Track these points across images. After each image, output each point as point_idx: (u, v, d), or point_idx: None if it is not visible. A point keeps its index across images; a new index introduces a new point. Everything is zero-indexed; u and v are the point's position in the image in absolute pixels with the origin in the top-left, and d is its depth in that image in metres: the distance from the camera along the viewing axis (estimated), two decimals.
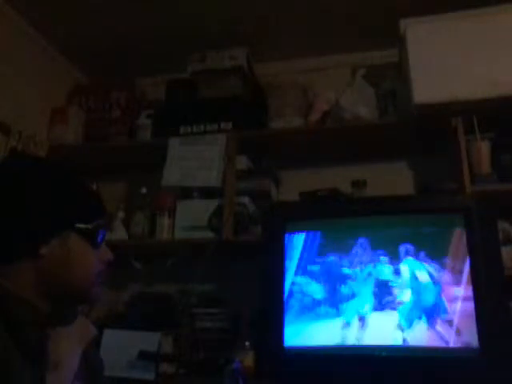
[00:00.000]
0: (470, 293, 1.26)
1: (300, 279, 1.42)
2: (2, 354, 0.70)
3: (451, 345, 1.25)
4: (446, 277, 1.30)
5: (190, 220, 1.88)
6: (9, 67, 1.94)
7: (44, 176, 0.84)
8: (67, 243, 0.82)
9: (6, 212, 0.79)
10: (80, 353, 0.94)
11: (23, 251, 0.79)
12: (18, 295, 0.77)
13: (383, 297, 1.33)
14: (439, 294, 1.29)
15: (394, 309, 1.31)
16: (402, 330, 1.29)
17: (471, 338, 1.23)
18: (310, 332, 1.36)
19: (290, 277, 1.43)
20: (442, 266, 1.31)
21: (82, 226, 0.84)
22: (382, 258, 1.36)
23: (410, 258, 1.34)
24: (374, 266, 1.36)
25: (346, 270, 1.38)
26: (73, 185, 0.87)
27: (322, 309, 1.37)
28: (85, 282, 0.85)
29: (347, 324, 1.34)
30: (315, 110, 1.97)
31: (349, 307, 1.35)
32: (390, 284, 1.33)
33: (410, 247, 1.34)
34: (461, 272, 1.29)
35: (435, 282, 1.30)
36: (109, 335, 1.74)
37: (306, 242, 1.44)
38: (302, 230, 1.46)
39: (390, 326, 1.31)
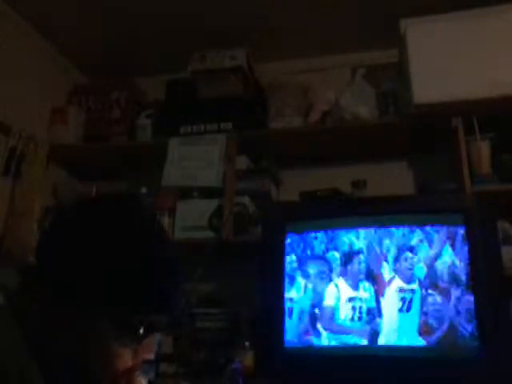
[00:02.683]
0: (469, 293, 1.26)
1: (299, 279, 1.42)
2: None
3: (451, 345, 1.25)
4: (445, 277, 1.30)
5: (190, 220, 1.87)
6: (9, 67, 1.94)
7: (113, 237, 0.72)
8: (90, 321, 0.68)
9: None
10: None
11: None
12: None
13: (383, 296, 1.33)
14: (439, 294, 1.29)
15: (393, 308, 1.31)
16: (402, 330, 1.29)
17: (471, 337, 1.23)
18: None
19: (289, 277, 1.43)
20: (442, 266, 1.31)
21: (114, 313, 0.69)
22: (381, 257, 1.36)
23: (410, 258, 1.34)
24: (374, 266, 1.36)
25: (346, 270, 1.38)
26: (139, 265, 0.71)
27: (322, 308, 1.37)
28: (98, 374, 0.69)
29: (347, 324, 1.34)
30: (315, 110, 1.97)
31: (348, 307, 1.35)
32: (390, 284, 1.33)
33: (410, 247, 1.34)
34: (461, 272, 1.29)
35: (435, 281, 1.30)
36: None
37: (305, 242, 1.44)
38: (302, 230, 1.46)
39: (389, 326, 1.31)
